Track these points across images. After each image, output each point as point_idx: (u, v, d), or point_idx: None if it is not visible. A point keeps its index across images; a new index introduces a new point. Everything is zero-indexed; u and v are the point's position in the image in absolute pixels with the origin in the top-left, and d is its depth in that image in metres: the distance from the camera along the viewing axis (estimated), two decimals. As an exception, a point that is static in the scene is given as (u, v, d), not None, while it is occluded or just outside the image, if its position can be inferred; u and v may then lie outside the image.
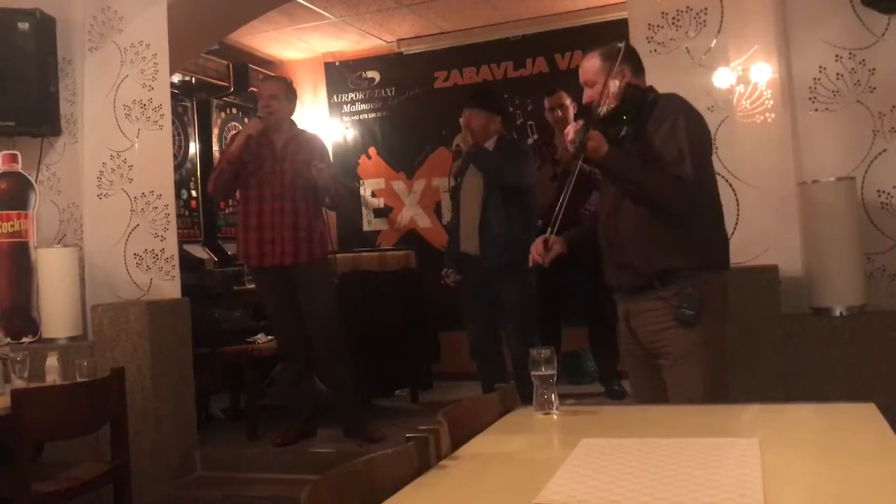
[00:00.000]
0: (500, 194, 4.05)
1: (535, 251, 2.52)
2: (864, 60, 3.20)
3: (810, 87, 3.27)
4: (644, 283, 2.43)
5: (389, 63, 6.61)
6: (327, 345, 4.04)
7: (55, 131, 4.03)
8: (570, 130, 2.34)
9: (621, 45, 2.51)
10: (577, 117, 2.39)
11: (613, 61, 2.44)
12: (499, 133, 4.24)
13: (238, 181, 4.04)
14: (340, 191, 4.23)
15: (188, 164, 6.11)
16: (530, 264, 2.55)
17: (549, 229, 2.50)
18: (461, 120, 4.37)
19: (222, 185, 4.09)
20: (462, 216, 4.21)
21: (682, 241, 2.38)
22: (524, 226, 4.04)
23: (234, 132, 4.07)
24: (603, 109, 2.44)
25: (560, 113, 4.97)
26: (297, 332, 4.10)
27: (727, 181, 3.21)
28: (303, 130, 4.30)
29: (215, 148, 6.32)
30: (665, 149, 2.34)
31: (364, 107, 6.70)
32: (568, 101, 4.96)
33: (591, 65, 2.51)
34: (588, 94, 2.51)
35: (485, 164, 4.12)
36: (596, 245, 2.60)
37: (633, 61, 2.53)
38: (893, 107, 3.18)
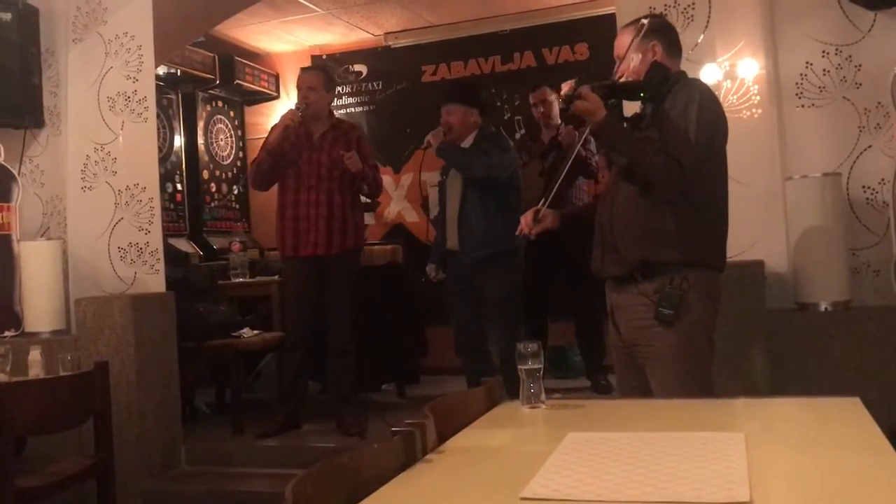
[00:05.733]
0: (478, 190, 4.04)
1: (524, 221, 2.48)
2: (850, 56, 3.21)
3: (797, 83, 3.28)
4: (626, 273, 2.36)
5: (377, 56, 6.59)
6: (340, 334, 4.08)
7: (38, 123, 3.99)
8: (565, 86, 2.31)
9: (646, 19, 2.45)
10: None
11: (637, 34, 2.39)
12: (479, 126, 4.20)
13: (277, 172, 4.08)
14: (377, 178, 4.24)
15: (173, 157, 6.08)
16: (517, 233, 2.52)
17: (542, 201, 2.46)
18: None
19: (262, 176, 4.14)
20: (447, 212, 4.21)
21: (669, 232, 2.30)
22: (505, 221, 4.02)
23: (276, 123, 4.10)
24: (620, 80, 2.38)
25: (542, 108, 4.97)
26: (309, 324, 4.14)
27: (714, 176, 3.21)
28: (342, 120, 4.35)
29: (200, 141, 6.29)
30: (671, 131, 2.26)
31: (351, 100, 6.69)
32: (552, 97, 4.95)
33: (621, 38, 2.48)
34: (617, 68, 2.45)
35: (452, 161, 4.11)
36: (585, 234, 2.56)
37: (667, 39, 2.45)
38: (879, 103, 3.19)
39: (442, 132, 4.12)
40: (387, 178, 6.55)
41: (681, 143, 2.24)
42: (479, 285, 4.08)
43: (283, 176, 4.09)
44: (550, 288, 4.77)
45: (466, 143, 4.15)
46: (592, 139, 4.79)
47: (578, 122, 2.40)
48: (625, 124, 2.40)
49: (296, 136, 4.04)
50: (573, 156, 2.54)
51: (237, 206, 6.71)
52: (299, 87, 4.13)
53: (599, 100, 2.25)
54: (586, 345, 4.90)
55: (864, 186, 3.23)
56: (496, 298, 4.06)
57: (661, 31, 2.47)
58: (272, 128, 4.19)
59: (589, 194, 4.93)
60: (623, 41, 2.46)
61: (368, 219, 6.56)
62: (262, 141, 4.35)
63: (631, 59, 2.41)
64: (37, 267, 3.80)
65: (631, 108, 2.50)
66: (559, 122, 4.99)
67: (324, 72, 4.31)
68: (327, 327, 4.12)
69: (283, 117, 4.06)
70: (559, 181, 2.42)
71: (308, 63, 6.76)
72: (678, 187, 2.26)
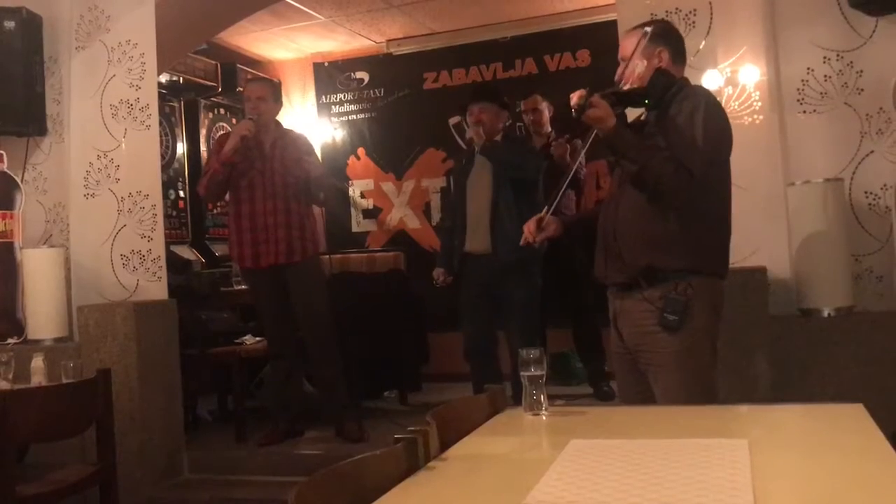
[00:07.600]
0: (511, 190, 3.99)
1: (528, 230, 2.47)
2: (851, 62, 3.22)
3: (798, 89, 3.28)
4: (630, 279, 2.35)
5: (379, 64, 6.60)
6: (318, 343, 4.08)
7: (41, 131, 3.99)
8: (575, 95, 2.32)
9: (649, 27, 2.43)
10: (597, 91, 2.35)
11: (642, 40, 2.39)
12: (504, 130, 4.22)
13: (229, 183, 4.07)
14: (332, 185, 4.26)
15: (176, 165, 6.09)
16: (521, 243, 2.52)
17: (546, 209, 2.46)
18: (451, 121, 4.36)
19: (215, 188, 4.12)
20: (469, 214, 4.13)
21: (674, 239, 2.29)
22: None
23: (221, 134, 4.14)
24: (624, 86, 2.39)
25: (532, 116, 4.98)
26: (287, 332, 4.14)
27: (716, 182, 3.21)
28: (289, 130, 4.36)
29: (203, 148, 6.30)
30: (679, 138, 2.26)
31: (353, 107, 6.70)
32: (543, 105, 4.95)
33: (626, 41, 2.47)
34: (619, 71, 2.46)
35: (500, 158, 4.05)
36: (587, 239, 2.55)
37: (673, 46, 2.45)
38: (881, 108, 3.19)
39: (481, 130, 4.08)
40: (389, 186, 6.57)
41: (689, 150, 2.24)
42: (505, 289, 4.02)
43: (235, 187, 4.07)
44: (552, 295, 4.75)
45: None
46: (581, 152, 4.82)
47: (584, 130, 2.39)
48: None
49: (246, 147, 4.03)
50: (574, 169, 2.55)
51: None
52: (248, 98, 4.15)
53: (609, 107, 2.25)
54: (587, 352, 4.89)
55: (866, 192, 3.22)
56: (520, 303, 4.01)
57: (669, 38, 2.46)
58: (218, 140, 4.23)
59: (573, 202, 4.91)
60: (629, 44, 2.45)
61: (370, 225, 6.61)
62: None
63: (636, 65, 2.40)
64: (39, 274, 3.80)
65: (632, 114, 2.50)
66: (549, 129, 4.99)
67: (271, 83, 4.37)
68: (305, 339, 4.11)
69: (239, 128, 4.08)
70: (562, 190, 2.43)
71: (310, 70, 6.80)
72: (687, 194, 2.25)
